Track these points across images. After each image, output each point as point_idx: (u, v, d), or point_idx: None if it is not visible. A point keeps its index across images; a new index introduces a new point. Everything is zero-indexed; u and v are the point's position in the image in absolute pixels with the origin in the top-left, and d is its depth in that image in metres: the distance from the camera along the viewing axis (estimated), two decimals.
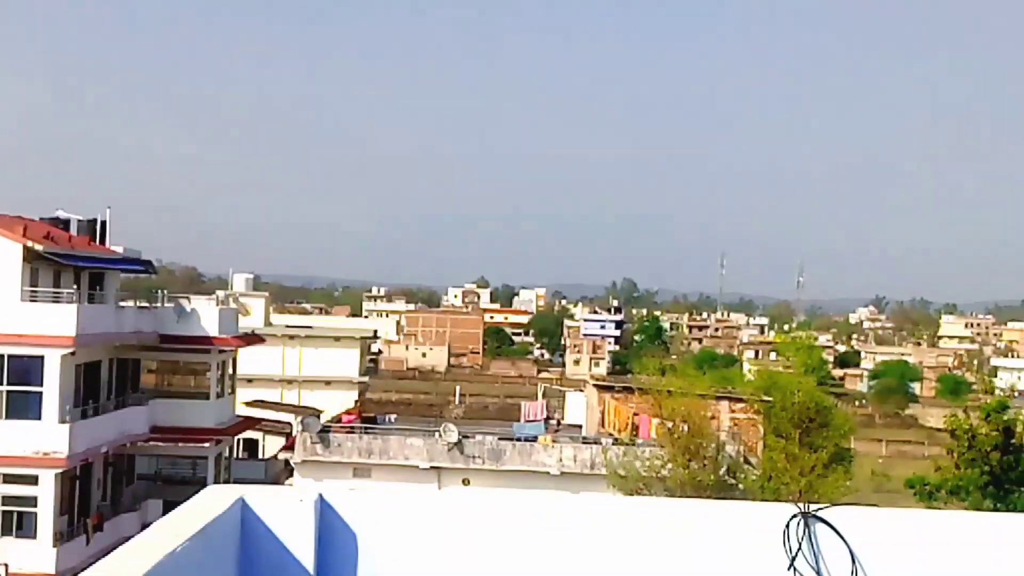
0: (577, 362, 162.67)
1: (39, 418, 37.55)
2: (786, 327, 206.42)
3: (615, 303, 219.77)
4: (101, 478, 42.71)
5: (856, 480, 47.96)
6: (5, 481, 37.53)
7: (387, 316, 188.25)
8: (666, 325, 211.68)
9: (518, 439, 47.82)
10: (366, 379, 78.49)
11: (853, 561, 4.43)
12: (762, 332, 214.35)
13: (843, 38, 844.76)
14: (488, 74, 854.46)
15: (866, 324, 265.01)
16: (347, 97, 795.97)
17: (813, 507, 4.51)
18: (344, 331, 79.83)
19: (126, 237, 51.64)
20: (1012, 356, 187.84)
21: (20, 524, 37.57)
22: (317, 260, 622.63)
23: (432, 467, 45.83)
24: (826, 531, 4.46)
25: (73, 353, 38.18)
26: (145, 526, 3.91)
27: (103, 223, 47.26)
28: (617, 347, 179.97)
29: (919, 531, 4.56)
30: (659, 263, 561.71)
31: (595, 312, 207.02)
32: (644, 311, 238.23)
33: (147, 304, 47.72)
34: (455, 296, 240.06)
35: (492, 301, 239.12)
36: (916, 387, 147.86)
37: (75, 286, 41.64)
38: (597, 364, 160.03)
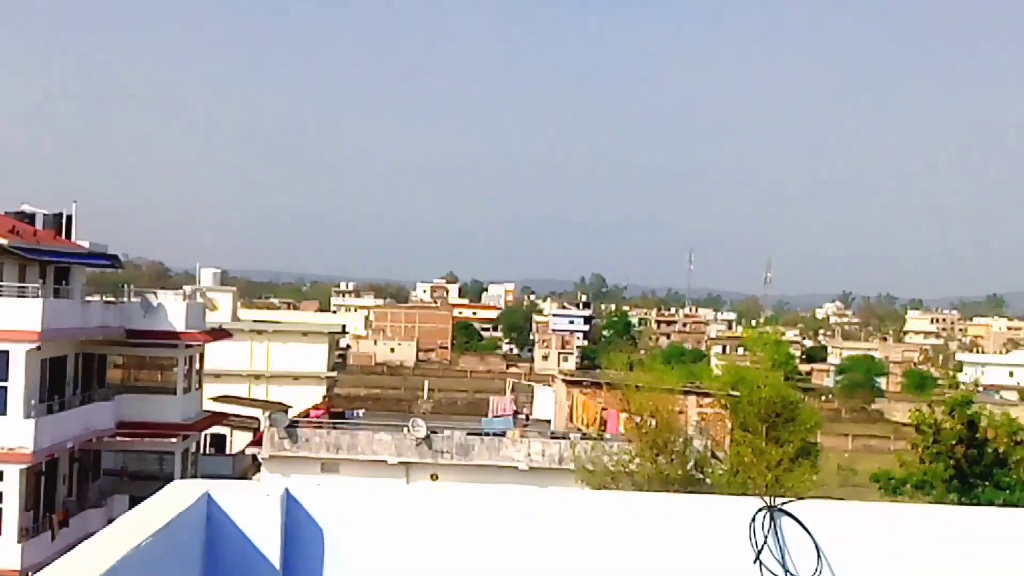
0: (546, 357, 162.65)
1: (4, 413, 37.26)
2: (753, 322, 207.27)
3: (584, 298, 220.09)
4: (67, 474, 42.42)
5: (822, 474, 48.22)
6: None
7: (355, 311, 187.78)
8: (634, 320, 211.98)
9: (487, 434, 47.77)
10: (334, 374, 78.23)
11: (818, 554, 4.46)
12: (730, 327, 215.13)
13: (812, 34, 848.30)
14: (460, 75, 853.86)
15: (833, 319, 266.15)
16: (318, 94, 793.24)
17: (778, 501, 4.53)
18: (312, 326, 79.59)
19: (92, 232, 51.40)
20: (977, 351, 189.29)
21: None
22: (285, 255, 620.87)
23: (400, 462, 45.73)
24: (791, 524, 4.49)
25: (39, 348, 37.90)
26: (111, 522, 3.89)
27: (69, 217, 46.93)
28: (586, 342, 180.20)
29: (883, 524, 4.59)
30: (628, 259, 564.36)
31: (564, 307, 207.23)
32: (612, 306, 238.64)
33: (113, 299, 47.48)
34: (424, 291, 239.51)
35: (461, 296, 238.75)
36: (882, 382, 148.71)
37: (41, 280, 41.35)
38: (566, 359, 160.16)
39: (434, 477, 45.19)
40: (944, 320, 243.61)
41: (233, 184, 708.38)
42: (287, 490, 4.39)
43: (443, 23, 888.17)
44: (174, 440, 45.99)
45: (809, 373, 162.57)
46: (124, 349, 46.23)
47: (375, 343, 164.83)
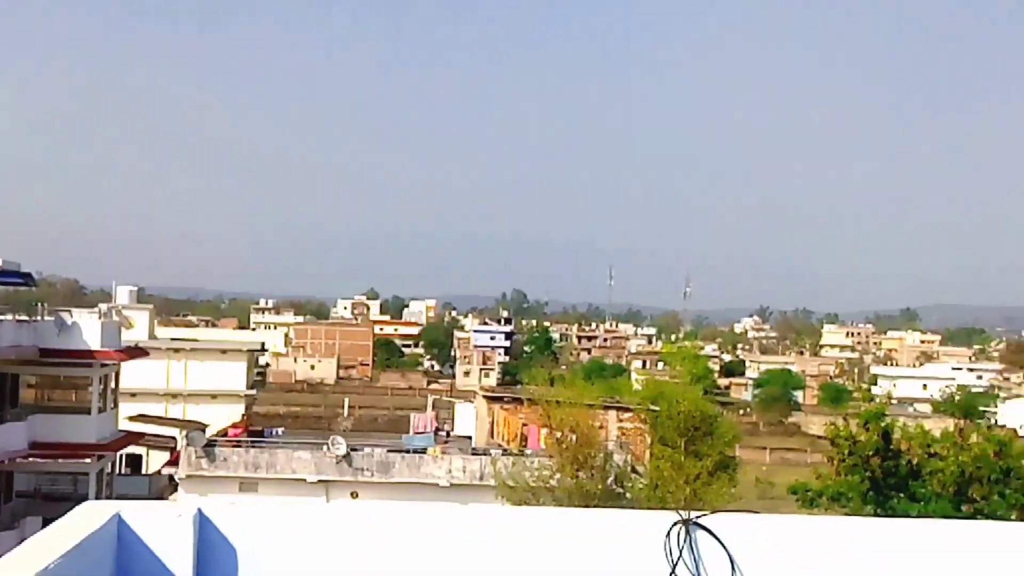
0: (467, 373, 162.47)
1: None
2: (673, 337, 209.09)
3: (505, 314, 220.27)
4: None
5: (740, 487, 48.61)
6: None
7: (275, 328, 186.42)
8: (555, 336, 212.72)
9: (407, 451, 47.64)
10: (253, 392, 77.49)
11: (732, 566, 4.49)
12: (650, 342, 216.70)
13: (723, 50, 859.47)
14: (379, 94, 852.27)
15: (751, 334, 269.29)
16: (229, 104, 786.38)
17: (694, 514, 4.56)
18: (231, 344, 78.74)
19: (4, 249, 50.33)
20: (891, 364, 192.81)
21: None
22: (204, 272, 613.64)
23: (320, 480, 45.38)
24: (706, 537, 4.52)
25: None
26: None
27: None
28: (507, 358, 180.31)
29: (797, 536, 4.64)
30: (549, 275, 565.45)
31: (485, 323, 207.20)
32: (534, 322, 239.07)
33: (27, 317, 46.55)
34: (344, 308, 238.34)
35: (382, 313, 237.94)
36: (799, 395, 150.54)
37: None
38: (487, 375, 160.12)
39: (354, 495, 44.89)
40: (859, 334, 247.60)
41: (148, 200, 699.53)
42: (200, 510, 4.33)
43: (371, 42, 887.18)
44: (88, 460, 45.19)
45: (727, 387, 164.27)
46: (38, 368, 45.37)
47: (295, 360, 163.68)
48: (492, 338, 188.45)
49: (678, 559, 4.49)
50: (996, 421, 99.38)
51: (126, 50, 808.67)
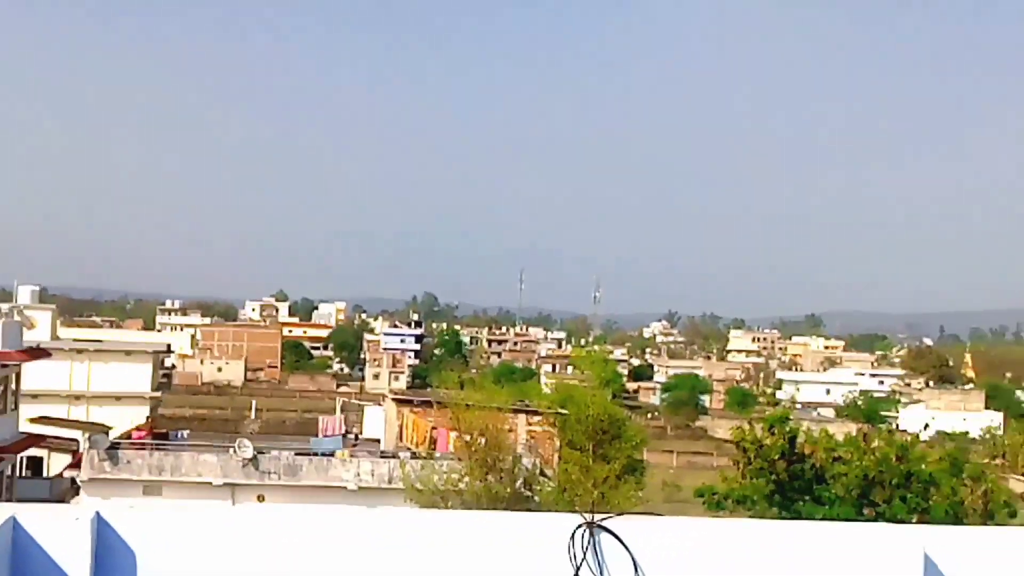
0: (377, 376, 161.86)
1: None
2: (583, 341, 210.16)
3: (415, 317, 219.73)
4: None
5: (647, 490, 49.07)
6: None
7: (182, 330, 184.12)
8: (466, 339, 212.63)
9: (315, 454, 47.40)
10: (159, 395, 76.29)
11: (636, 569, 4.52)
12: (560, 346, 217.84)
13: (631, 51, 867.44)
14: (289, 94, 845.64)
15: (659, 338, 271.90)
16: (137, 100, 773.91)
17: (598, 517, 4.58)
18: (136, 345, 77.52)
19: None
20: (796, 369, 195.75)
21: None
22: (108, 272, 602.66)
23: (226, 484, 44.91)
24: (610, 540, 4.54)
25: None
26: None
27: None
28: (417, 361, 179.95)
29: (702, 539, 4.68)
30: (460, 278, 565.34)
31: (395, 326, 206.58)
32: (444, 325, 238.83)
33: None
34: (253, 309, 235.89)
35: (291, 315, 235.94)
36: (706, 399, 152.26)
37: None
38: (397, 378, 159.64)
39: (261, 498, 44.49)
40: (765, 339, 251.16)
41: (52, 197, 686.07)
42: (98, 513, 4.25)
43: (274, 35, 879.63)
44: None
45: (636, 391, 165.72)
46: None
47: (202, 363, 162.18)
48: (402, 341, 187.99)
49: (581, 561, 4.50)
50: (897, 426, 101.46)
51: (36, 42, 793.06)
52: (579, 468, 41.75)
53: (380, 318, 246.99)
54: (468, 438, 41.43)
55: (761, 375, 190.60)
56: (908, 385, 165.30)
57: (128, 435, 51.18)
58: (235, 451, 45.45)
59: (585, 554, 4.51)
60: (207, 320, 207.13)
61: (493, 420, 41.93)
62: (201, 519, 4.43)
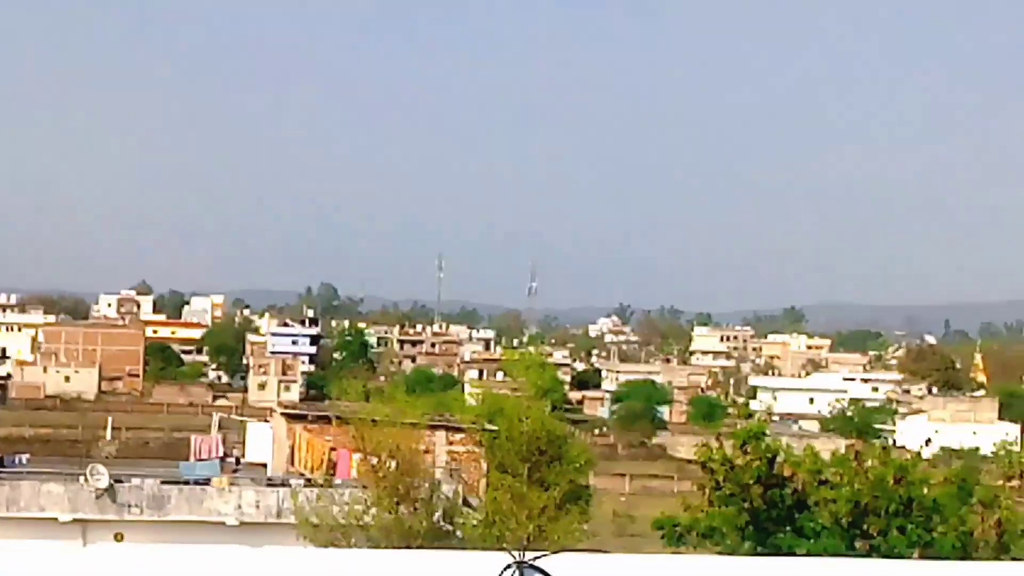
0: (263, 386, 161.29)
1: None
2: (516, 341, 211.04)
3: (310, 313, 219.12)
4: None
5: (595, 522, 49.41)
6: None
7: (20, 330, 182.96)
8: (373, 340, 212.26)
9: (186, 482, 47.20)
10: None
11: None
12: (487, 347, 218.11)
13: (572, 35, 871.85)
14: (167, 60, 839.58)
15: (608, 337, 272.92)
16: None
17: (530, 555, 4.61)
18: None
19: None
20: (772, 374, 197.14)
21: None
22: None
23: (75, 520, 44.57)
24: None
25: None
26: None
27: None
28: (312, 367, 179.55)
29: None
30: (364, 265, 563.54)
31: (285, 324, 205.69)
32: (346, 323, 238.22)
33: None
34: (108, 305, 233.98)
35: (156, 311, 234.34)
36: (664, 411, 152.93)
37: None
38: (288, 388, 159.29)
39: (119, 537, 44.18)
40: (735, 338, 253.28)
41: None
42: None
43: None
44: None
45: (580, 402, 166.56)
46: None
47: (45, 370, 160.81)
48: (294, 342, 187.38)
49: None
50: (894, 441, 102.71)
51: None
52: (511, 496, 41.86)
53: (267, 315, 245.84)
54: (375, 461, 41.41)
55: (731, 381, 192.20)
56: (907, 392, 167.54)
57: None
58: (87, 479, 45.12)
59: None
60: (51, 318, 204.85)
61: (406, 439, 41.93)
62: (44, 564, 4.42)
